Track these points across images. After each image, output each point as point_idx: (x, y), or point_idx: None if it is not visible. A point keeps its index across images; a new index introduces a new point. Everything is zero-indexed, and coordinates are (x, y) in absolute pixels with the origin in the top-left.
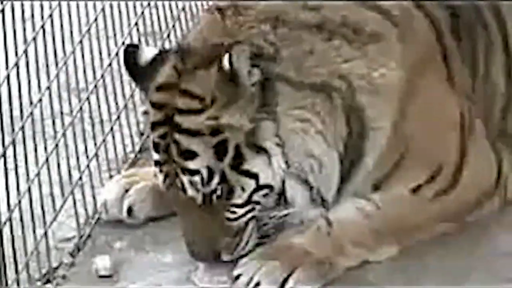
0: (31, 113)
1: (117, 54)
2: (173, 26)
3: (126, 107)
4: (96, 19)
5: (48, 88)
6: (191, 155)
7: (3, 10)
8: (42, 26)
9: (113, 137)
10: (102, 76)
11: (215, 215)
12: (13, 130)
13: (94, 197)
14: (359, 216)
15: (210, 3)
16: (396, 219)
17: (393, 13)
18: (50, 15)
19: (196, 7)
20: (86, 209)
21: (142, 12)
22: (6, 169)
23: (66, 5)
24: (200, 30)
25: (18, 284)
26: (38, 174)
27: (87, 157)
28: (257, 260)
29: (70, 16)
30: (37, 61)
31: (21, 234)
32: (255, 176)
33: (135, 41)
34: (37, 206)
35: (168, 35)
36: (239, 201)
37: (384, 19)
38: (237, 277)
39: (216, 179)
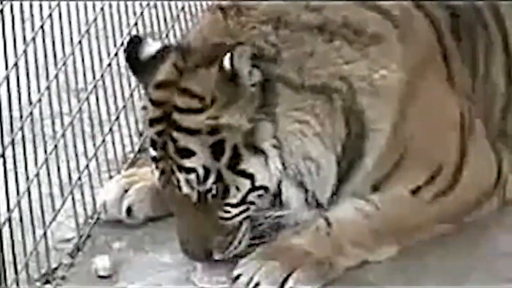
0: (31, 113)
1: (116, 54)
2: (173, 26)
3: (125, 107)
4: (95, 19)
5: (48, 88)
6: (187, 153)
7: (2, 11)
8: (42, 26)
9: (113, 137)
10: (102, 76)
11: (209, 213)
12: (12, 130)
13: (93, 198)
14: (359, 216)
15: (211, 2)
16: (395, 220)
17: (393, 13)
18: (50, 15)
19: (196, 7)
20: (85, 210)
21: (142, 12)
22: (5, 169)
23: (65, 5)
24: (201, 29)
25: (17, 285)
26: (37, 175)
27: (86, 157)
28: (257, 260)
29: (69, 16)
30: (36, 61)
31: (20, 235)
32: (250, 177)
33: None
34: (36, 207)
35: (167, 35)
36: (233, 200)
37: (385, 19)
38: (237, 277)
39: (211, 178)
